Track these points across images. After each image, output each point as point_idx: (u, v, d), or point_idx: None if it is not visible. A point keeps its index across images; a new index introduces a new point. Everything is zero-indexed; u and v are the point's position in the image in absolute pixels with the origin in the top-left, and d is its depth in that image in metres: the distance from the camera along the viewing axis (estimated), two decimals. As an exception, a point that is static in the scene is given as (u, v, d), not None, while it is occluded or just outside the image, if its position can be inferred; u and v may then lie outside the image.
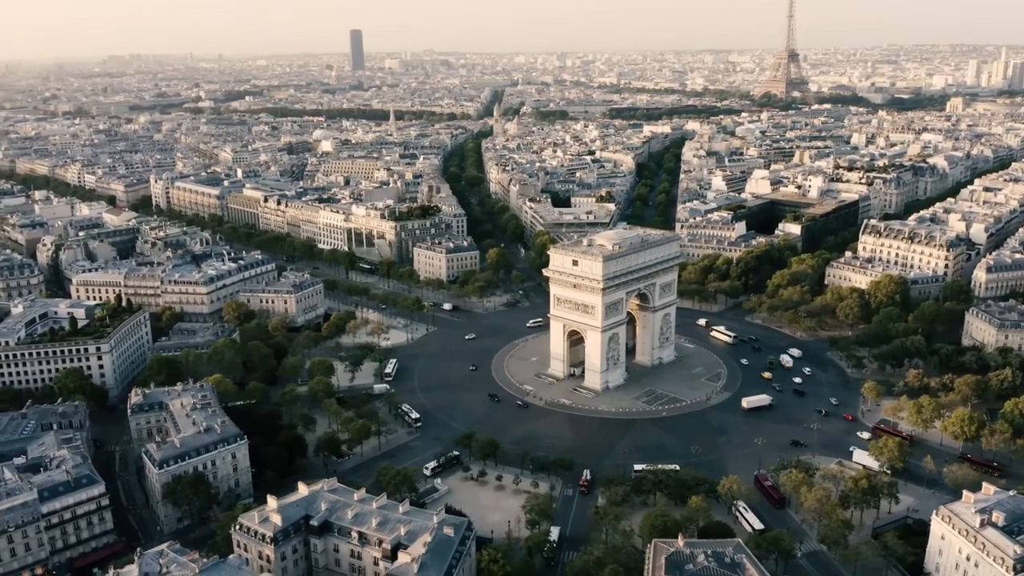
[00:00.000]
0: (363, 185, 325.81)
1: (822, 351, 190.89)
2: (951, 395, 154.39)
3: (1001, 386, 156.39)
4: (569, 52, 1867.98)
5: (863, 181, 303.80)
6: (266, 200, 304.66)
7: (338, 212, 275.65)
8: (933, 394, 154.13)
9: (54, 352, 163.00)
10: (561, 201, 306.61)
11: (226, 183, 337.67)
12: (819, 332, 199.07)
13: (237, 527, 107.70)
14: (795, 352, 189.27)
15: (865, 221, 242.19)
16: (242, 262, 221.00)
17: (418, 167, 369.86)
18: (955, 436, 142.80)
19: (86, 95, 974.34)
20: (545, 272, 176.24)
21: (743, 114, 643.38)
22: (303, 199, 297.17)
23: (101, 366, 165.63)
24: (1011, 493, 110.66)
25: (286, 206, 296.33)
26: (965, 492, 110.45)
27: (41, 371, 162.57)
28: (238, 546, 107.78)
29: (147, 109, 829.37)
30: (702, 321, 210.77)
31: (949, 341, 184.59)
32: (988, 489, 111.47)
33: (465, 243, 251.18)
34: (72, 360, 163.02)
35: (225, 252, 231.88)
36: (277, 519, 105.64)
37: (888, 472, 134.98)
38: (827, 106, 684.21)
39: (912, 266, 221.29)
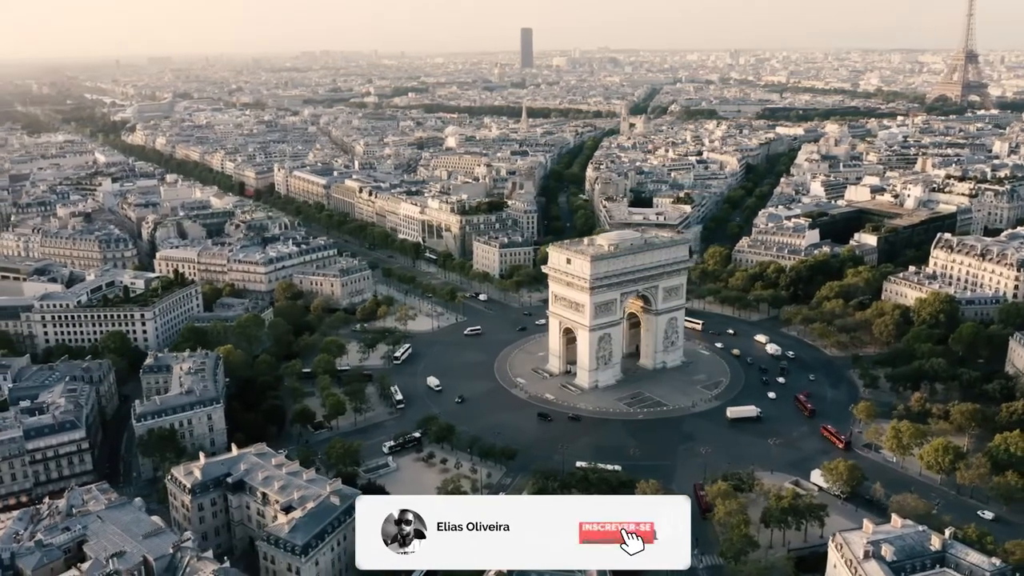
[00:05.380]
0: (458, 180, 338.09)
1: (847, 368, 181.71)
2: (942, 423, 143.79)
3: (1010, 418, 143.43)
4: (744, 49, 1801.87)
5: (969, 192, 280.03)
6: (360, 191, 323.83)
7: (415, 204, 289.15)
8: (922, 420, 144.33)
9: (104, 316, 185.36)
10: (643, 201, 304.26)
11: (335, 173, 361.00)
12: (851, 348, 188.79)
13: (169, 478, 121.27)
14: (762, 338, 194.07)
15: (939, 235, 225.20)
16: (304, 246, 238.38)
17: (518, 164, 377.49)
18: (928, 466, 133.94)
19: (268, 88, 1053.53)
20: (544, 269, 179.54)
21: (897, 118, 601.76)
22: (392, 191, 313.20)
23: (144, 331, 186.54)
24: (921, 528, 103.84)
25: (375, 197, 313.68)
26: (865, 521, 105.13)
27: (93, 331, 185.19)
28: (169, 494, 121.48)
29: (318, 103, 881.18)
30: None
31: (992, 369, 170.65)
32: (896, 521, 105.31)
33: (521, 239, 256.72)
34: (119, 324, 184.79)
35: (296, 236, 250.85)
36: (198, 474, 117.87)
37: (841, 495, 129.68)
38: (995, 112, 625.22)
39: (981, 285, 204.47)
